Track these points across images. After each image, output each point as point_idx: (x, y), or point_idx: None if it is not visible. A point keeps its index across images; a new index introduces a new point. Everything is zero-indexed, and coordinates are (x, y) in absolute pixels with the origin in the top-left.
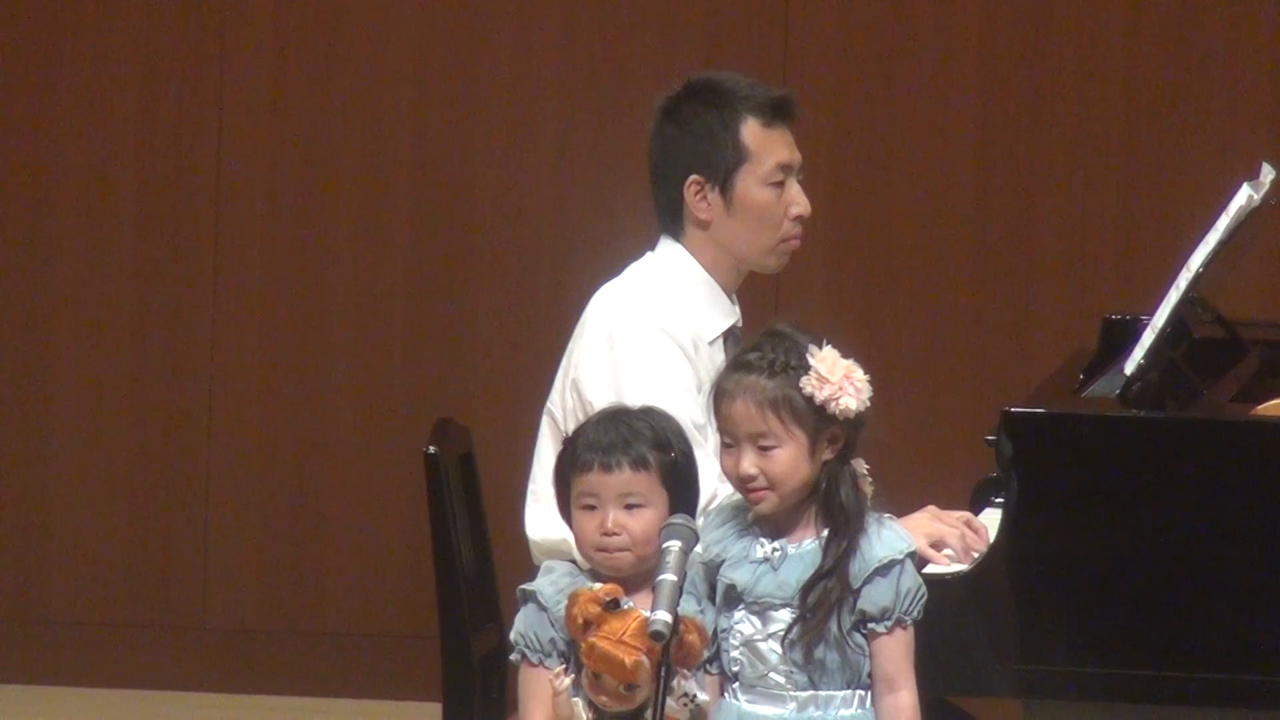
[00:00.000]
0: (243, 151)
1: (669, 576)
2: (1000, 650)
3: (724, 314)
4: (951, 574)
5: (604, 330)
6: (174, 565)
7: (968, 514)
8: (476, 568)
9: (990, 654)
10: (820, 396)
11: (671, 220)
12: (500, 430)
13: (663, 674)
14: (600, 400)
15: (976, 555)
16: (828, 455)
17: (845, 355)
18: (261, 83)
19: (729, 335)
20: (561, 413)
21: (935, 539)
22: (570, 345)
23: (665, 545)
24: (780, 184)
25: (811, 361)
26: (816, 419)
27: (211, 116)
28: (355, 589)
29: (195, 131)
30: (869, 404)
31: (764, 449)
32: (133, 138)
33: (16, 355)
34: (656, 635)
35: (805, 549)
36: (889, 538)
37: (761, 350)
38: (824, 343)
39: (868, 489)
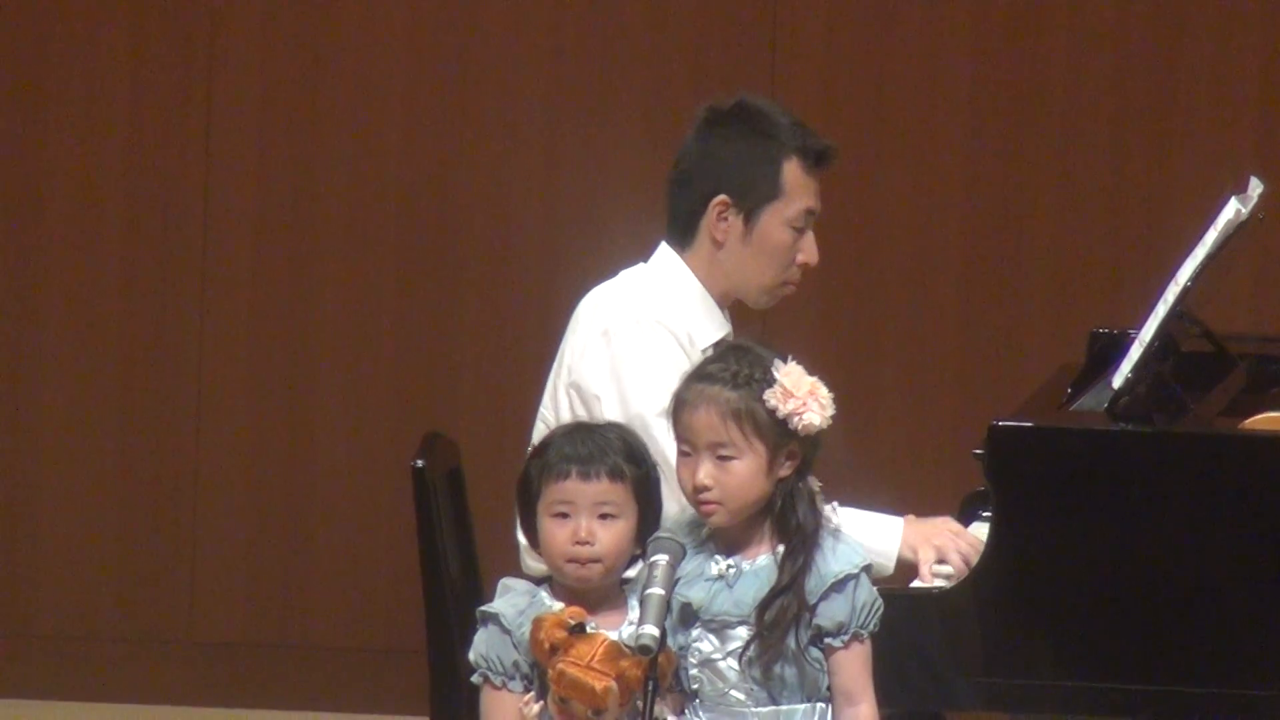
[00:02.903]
0: (230, 166)
1: (656, 590)
2: (990, 664)
3: (717, 324)
4: (939, 588)
5: (598, 326)
6: (161, 579)
7: (980, 543)
8: (464, 582)
9: (979, 668)
10: (784, 410)
11: (684, 229)
12: (488, 445)
13: (649, 689)
14: (603, 393)
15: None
16: (785, 472)
17: (812, 371)
18: (249, 96)
19: (720, 345)
20: (555, 416)
21: (943, 553)
22: (561, 346)
23: (652, 559)
24: (800, 229)
25: (777, 375)
26: (778, 433)
27: (199, 130)
28: (343, 603)
29: (183, 146)
30: (832, 421)
31: (722, 459)
32: (121, 152)
33: (3, 370)
34: (644, 650)
35: (760, 565)
36: (844, 552)
37: (725, 362)
38: (789, 358)
39: (819, 498)
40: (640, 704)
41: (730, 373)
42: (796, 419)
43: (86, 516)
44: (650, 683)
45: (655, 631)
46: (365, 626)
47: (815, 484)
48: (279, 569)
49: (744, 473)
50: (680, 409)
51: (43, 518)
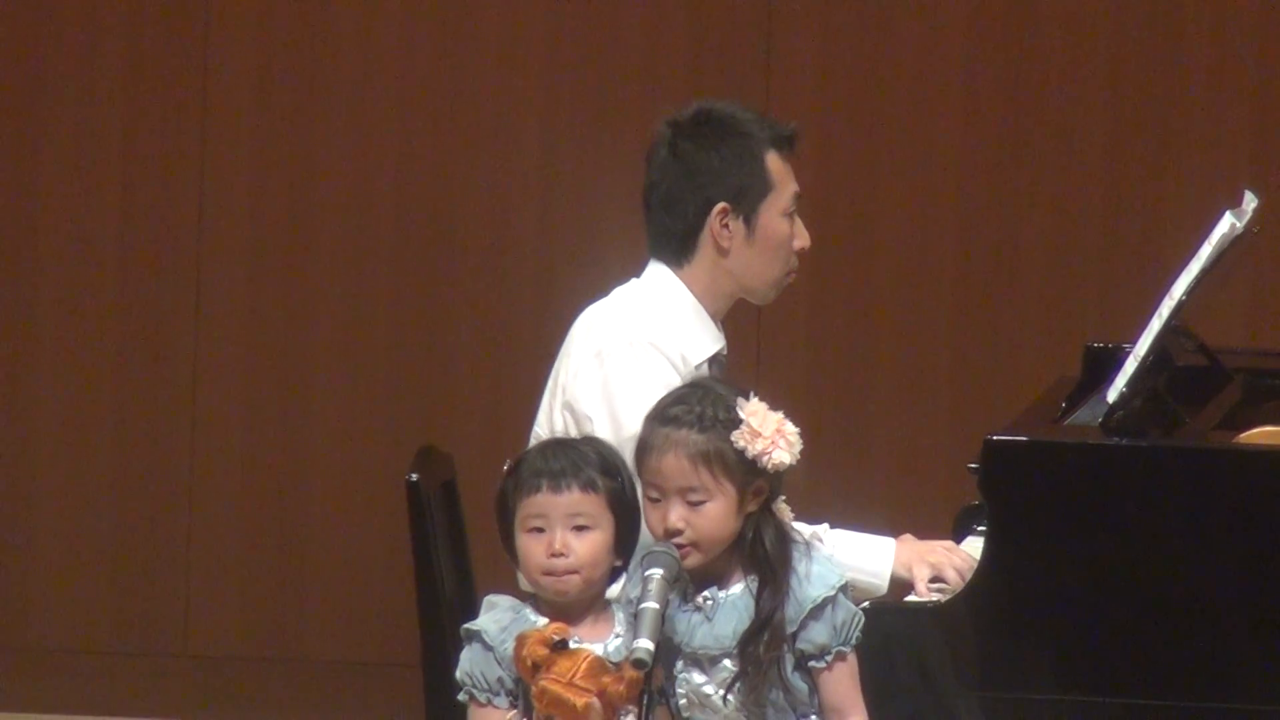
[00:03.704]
0: (225, 178)
1: (651, 604)
2: (986, 678)
3: (712, 338)
4: (935, 602)
5: (592, 347)
6: (157, 593)
7: (950, 543)
8: (459, 596)
9: (976, 682)
10: (752, 450)
11: (681, 246)
12: (483, 458)
13: (645, 702)
14: (595, 415)
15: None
16: (752, 507)
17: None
18: (244, 109)
19: (714, 360)
20: (549, 434)
21: (938, 571)
22: (556, 366)
23: (647, 573)
24: (791, 215)
25: (742, 415)
26: (746, 472)
27: (194, 145)
28: (338, 617)
29: (178, 161)
30: (800, 457)
31: (694, 503)
32: (116, 160)
33: None
34: (639, 664)
35: (735, 594)
36: (818, 575)
37: (687, 403)
38: (750, 394)
39: (789, 523)
40: (650, 711)
41: (695, 415)
42: (766, 458)
43: (81, 530)
44: (646, 694)
45: (650, 645)
46: (360, 640)
47: (787, 511)
48: (274, 582)
49: (716, 514)
50: (647, 454)
51: (38, 531)
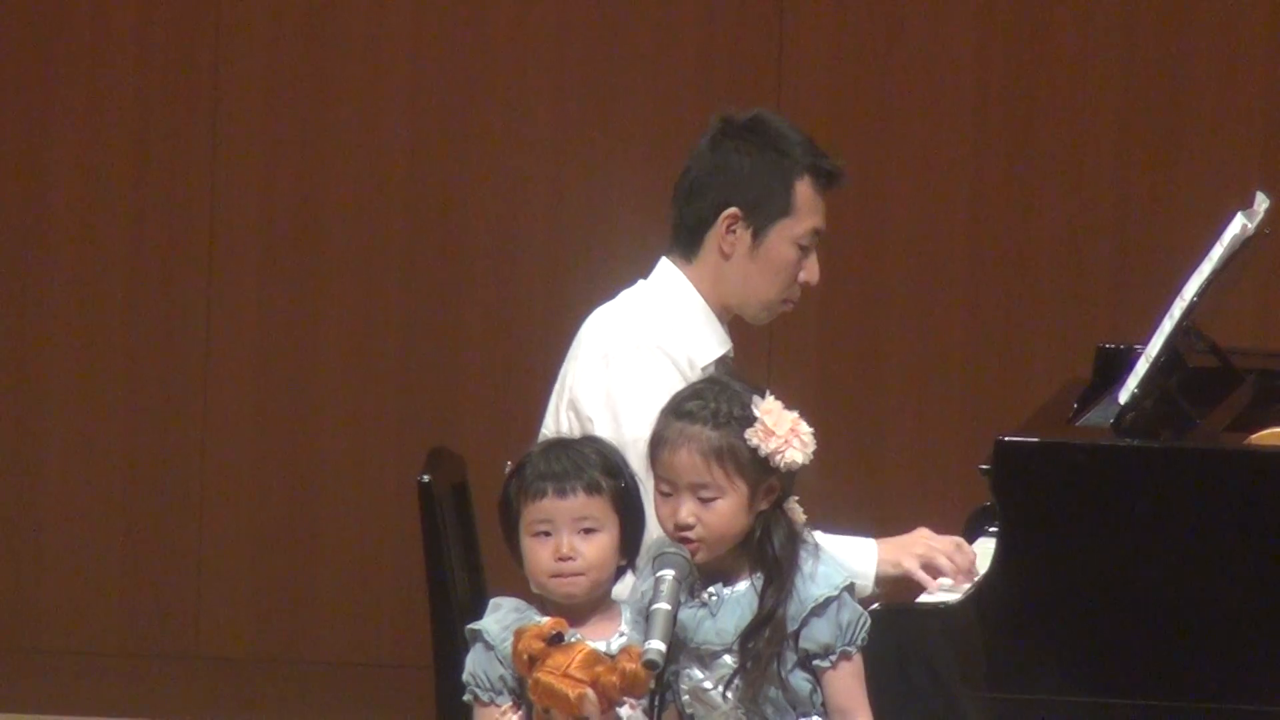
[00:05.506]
0: (236, 181)
1: (663, 606)
2: (995, 680)
3: (718, 341)
4: (944, 604)
5: (599, 350)
6: (168, 594)
7: (959, 539)
8: (470, 597)
9: (984, 683)
10: (766, 449)
11: (690, 237)
12: (494, 459)
13: (655, 703)
14: (599, 418)
15: (968, 583)
16: (764, 505)
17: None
18: (255, 108)
19: (720, 363)
20: (555, 435)
21: (926, 561)
22: (564, 368)
23: (659, 574)
24: (805, 248)
25: (757, 413)
26: (758, 470)
27: (205, 142)
28: (349, 618)
29: (189, 160)
30: (813, 457)
31: (705, 500)
32: (126, 166)
33: (8, 384)
34: (651, 665)
35: (740, 591)
36: (824, 574)
37: (703, 399)
38: (766, 393)
39: (800, 524)
40: (660, 712)
41: (710, 410)
42: (779, 457)
43: (92, 531)
44: (658, 697)
45: (662, 646)
46: (371, 641)
47: (799, 511)
48: (285, 584)
49: (726, 511)
50: (660, 448)
51: (49, 533)
